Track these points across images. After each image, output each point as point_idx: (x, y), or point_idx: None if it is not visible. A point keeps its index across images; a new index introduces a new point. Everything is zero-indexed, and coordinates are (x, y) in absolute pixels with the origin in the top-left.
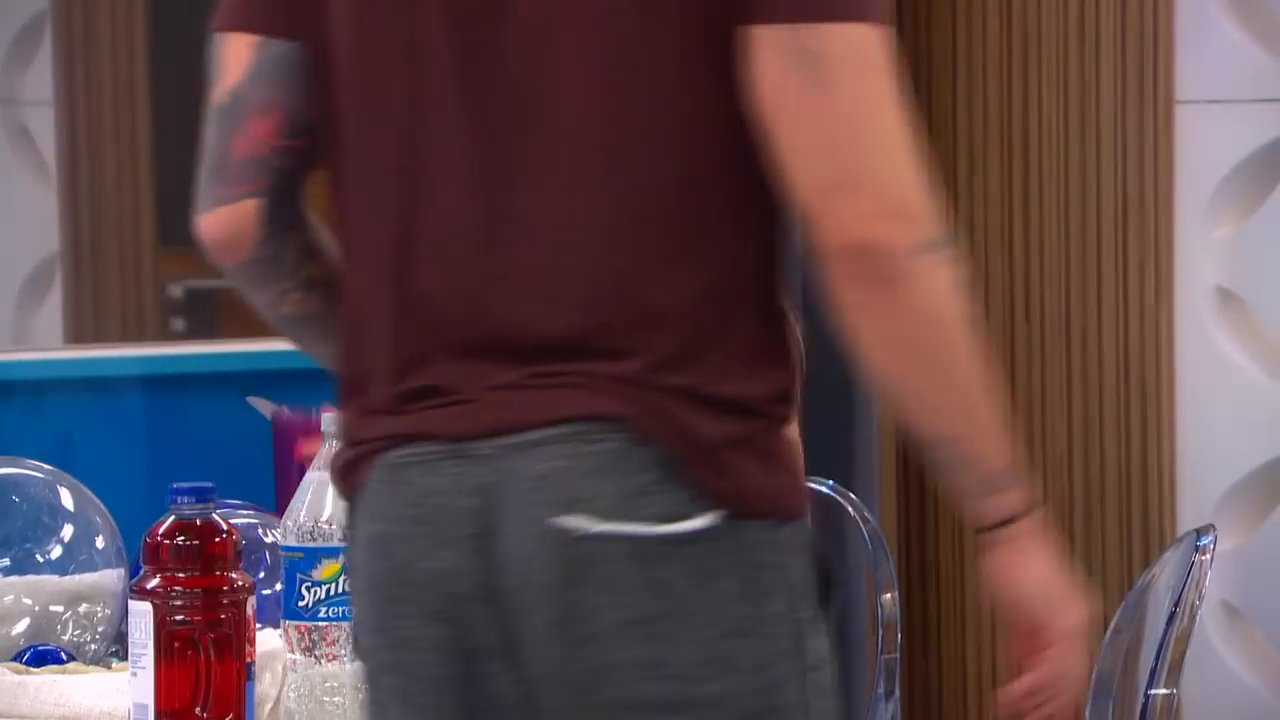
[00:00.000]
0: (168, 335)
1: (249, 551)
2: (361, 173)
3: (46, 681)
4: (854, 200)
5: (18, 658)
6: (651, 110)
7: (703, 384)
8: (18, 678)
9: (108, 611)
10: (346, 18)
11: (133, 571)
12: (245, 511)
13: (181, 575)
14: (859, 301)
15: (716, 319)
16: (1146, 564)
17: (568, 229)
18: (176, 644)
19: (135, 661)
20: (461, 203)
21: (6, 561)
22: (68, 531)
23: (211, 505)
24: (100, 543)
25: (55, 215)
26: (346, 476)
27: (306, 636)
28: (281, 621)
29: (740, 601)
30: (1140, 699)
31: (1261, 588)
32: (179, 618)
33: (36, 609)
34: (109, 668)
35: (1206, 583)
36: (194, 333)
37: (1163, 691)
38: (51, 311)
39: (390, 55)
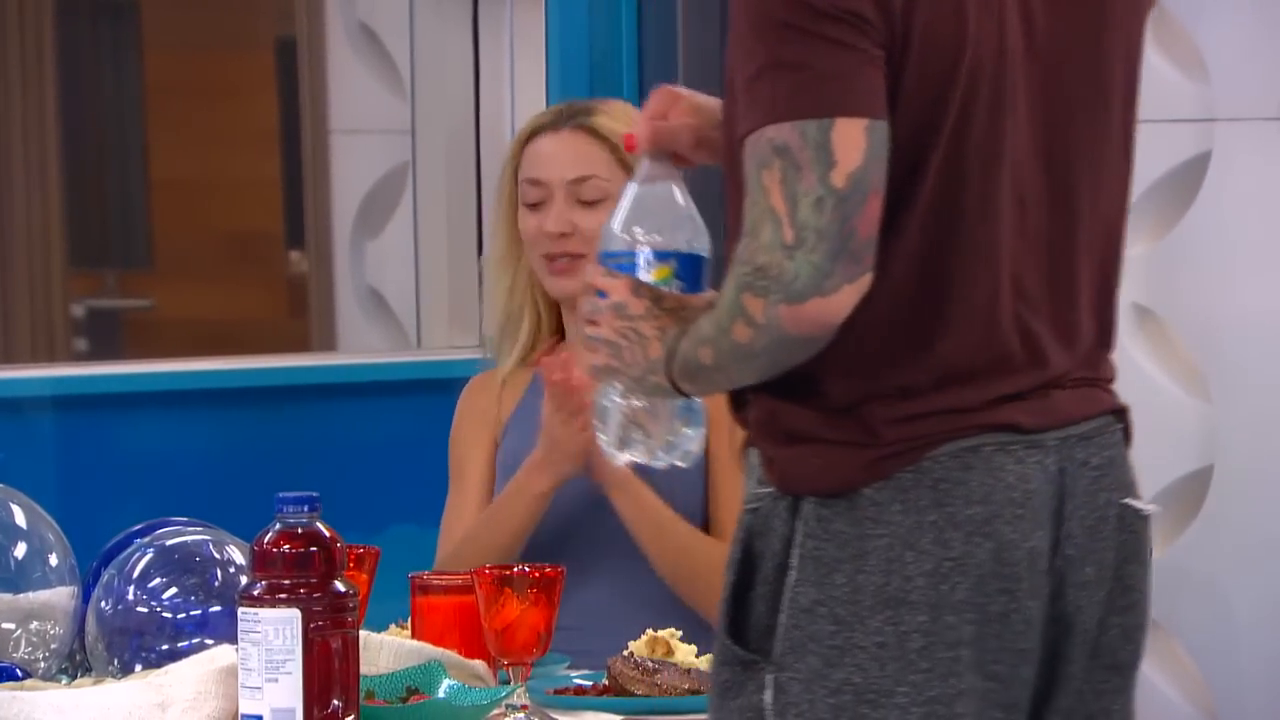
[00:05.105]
0: (74, 355)
1: (201, 569)
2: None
3: (6, 698)
4: None
5: None
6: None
7: None
8: None
9: (59, 629)
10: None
11: (85, 590)
12: (193, 529)
13: (312, 582)
14: None
15: None
16: None
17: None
18: (318, 648)
19: (276, 667)
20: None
21: None
22: (20, 549)
23: (317, 514)
24: (53, 560)
25: None
26: (891, 460)
27: None
28: None
29: None
30: None
31: (1181, 600)
32: (319, 623)
33: None
34: (61, 685)
35: None
36: (95, 353)
37: None
38: None
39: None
